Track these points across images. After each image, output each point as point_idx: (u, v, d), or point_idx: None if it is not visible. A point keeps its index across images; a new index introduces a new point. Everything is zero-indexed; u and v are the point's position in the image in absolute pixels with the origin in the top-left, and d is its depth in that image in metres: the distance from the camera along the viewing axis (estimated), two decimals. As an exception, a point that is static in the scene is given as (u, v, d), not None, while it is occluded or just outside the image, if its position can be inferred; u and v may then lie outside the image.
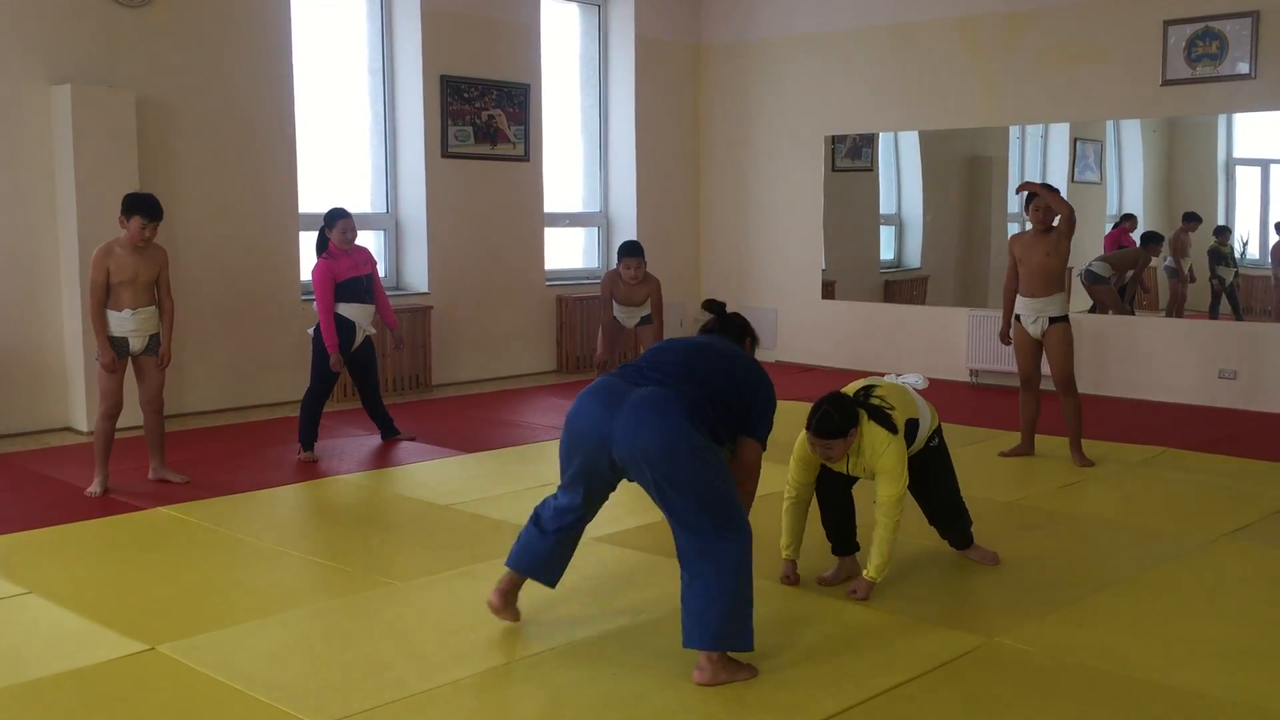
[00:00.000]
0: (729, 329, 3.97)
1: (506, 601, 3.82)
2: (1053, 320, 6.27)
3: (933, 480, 4.41)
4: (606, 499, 3.76)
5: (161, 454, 5.96)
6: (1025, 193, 6.39)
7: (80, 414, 7.24)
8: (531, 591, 4.15)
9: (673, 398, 3.43)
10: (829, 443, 3.96)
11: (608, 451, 3.46)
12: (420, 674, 3.49)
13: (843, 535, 4.37)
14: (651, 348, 3.80)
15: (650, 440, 3.37)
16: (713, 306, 4.04)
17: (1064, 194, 6.34)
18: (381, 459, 6.63)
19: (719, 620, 3.36)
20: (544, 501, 3.83)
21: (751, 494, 3.71)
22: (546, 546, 3.77)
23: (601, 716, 3.23)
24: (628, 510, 5.04)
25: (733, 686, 3.40)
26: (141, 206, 5.58)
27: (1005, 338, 6.52)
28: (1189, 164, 8.88)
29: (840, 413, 3.95)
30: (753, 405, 3.62)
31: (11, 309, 7.15)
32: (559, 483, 3.73)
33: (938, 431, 4.37)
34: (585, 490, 3.65)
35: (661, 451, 3.37)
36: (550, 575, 3.83)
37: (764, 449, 3.68)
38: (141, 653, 3.69)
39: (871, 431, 4.04)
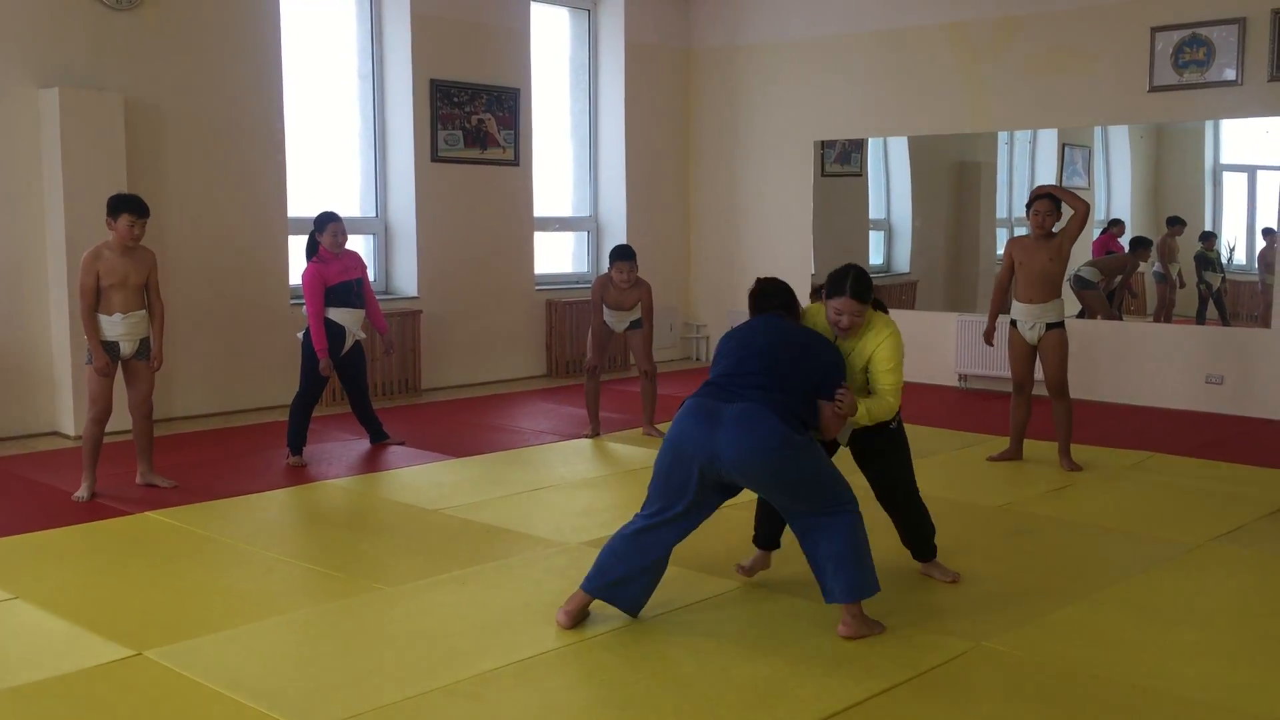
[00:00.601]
0: (787, 306, 4.13)
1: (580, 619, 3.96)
2: (1050, 326, 6.28)
3: (888, 461, 4.36)
4: (712, 512, 3.94)
5: (150, 458, 5.94)
6: (1031, 199, 6.32)
7: (68, 418, 7.22)
8: (523, 595, 4.15)
9: (766, 408, 3.70)
10: (860, 306, 4.02)
11: (716, 466, 3.73)
12: (410, 679, 3.48)
13: (771, 528, 4.39)
14: (728, 355, 3.99)
15: (755, 451, 3.68)
16: (622, 256, 4.38)
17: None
18: (370, 463, 6.62)
19: (850, 577, 3.77)
20: (645, 536, 3.90)
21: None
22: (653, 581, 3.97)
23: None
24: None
25: (712, 696, 3.40)
26: (128, 204, 5.57)
27: (989, 339, 6.53)
28: (1176, 170, 8.93)
29: (868, 279, 4.07)
30: (829, 374, 3.93)
31: (-1, 313, 7.13)
32: (652, 511, 3.88)
33: (897, 414, 4.29)
34: (689, 506, 3.84)
35: (768, 460, 3.69)
36: (641, 603, 4.00)
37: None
38: (128, 658, 3.68)
39: (875, 316, 4.16)
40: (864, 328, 4.10)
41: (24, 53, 7.09)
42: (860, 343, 4.11)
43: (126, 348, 5.69)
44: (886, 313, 4.24)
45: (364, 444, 7.04)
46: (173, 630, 3.91)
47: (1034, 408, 6.58)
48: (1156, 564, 4.69)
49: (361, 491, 6.02)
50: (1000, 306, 6.50)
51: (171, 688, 3.46)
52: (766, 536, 4.41)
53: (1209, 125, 8.52)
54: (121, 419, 6.17)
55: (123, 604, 4.22)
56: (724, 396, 3.81)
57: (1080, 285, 8.83)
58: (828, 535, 3.79)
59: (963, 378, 9.32)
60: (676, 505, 3.84)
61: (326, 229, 6.52)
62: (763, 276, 4.23)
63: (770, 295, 4.15)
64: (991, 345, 6.59)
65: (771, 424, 3.69)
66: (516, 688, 3.45)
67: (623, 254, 7.06)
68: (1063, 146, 9.22)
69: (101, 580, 4.52)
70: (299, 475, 6.28)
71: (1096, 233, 9.04)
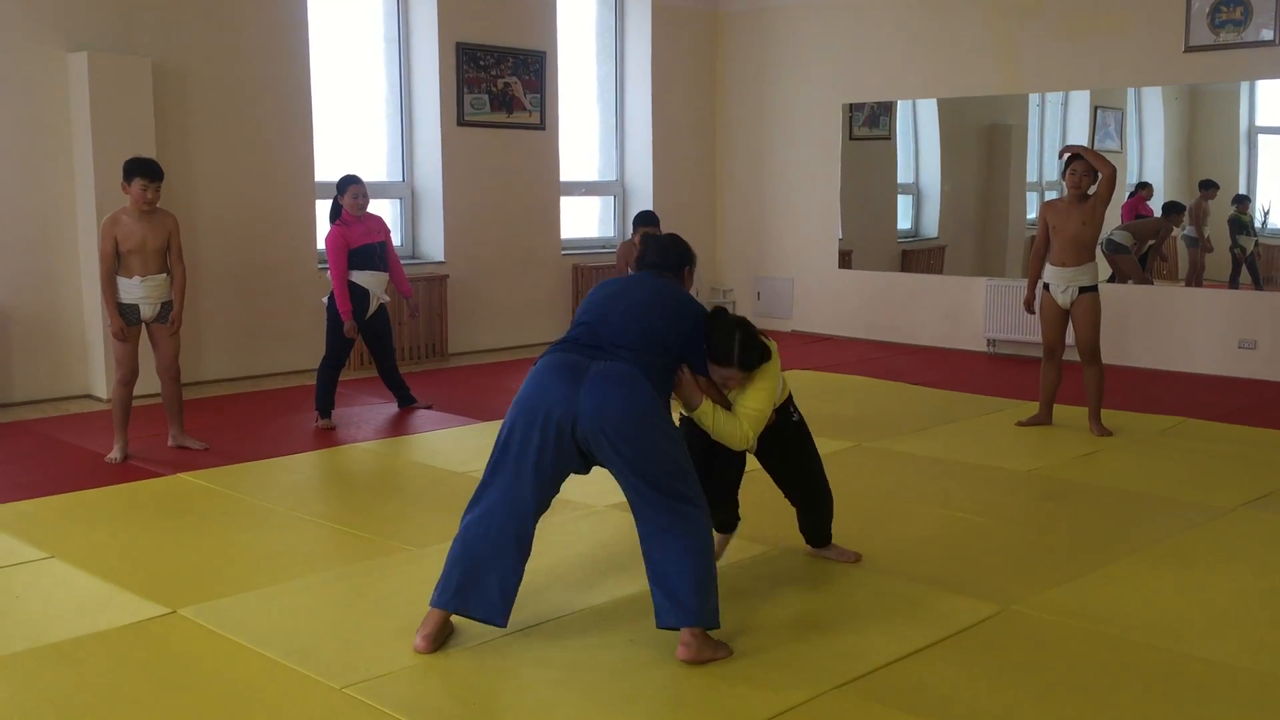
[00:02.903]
0: (669, 261, 3.75)
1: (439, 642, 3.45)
2: (1083, 290, 6.22)
3: (792, 453, 4.04)
4: (559, 490, 3.48)
5: (180, 421, 6.00)
6: (1063, 158, 6.26)
7: (100, 381, 7.29)
8: (549, 556, 4.17)
9: (637, 370, 3.31)
10: (748, 375, 3.61)
11: (574, 430, 3.28)
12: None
13: (723, 509, 4.00)
14: (589, 306, 3.54)
15: (620, 412, 3.25)
16: (647, 222, 3.69)
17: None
18: (398, 427, 6.66)
19: (699, 596, 3.29)
20: (480, 517, 3.39)
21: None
22: (511, 571, 3.38)
23: (623, 678, 3.24)
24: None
25: (737, 655, 3.41)
26: (140, 168, 5.59)
27: (1030, 307, 6.47)
28: (1210, 132, 8.79)
29: (755, 342, 3.59)
30: (691, 347, 3.50)
31: (31, 277, 7.19)
32: (491, 491, 3.38)
33: (792, 403, 4.03)
34: (539, 478, 3.35)
35: (632, 423, 3.26)
36: (507, 610, 3.42)
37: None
38: (163, 616, 3.73)
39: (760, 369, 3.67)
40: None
41: (53, 17, 7.10)
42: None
43: (147, 311, 5.73)
44: (770, 357, 3.66)
45: (391, 408, 7.07)
46: (206, 589, 3.96)
47: (1064, 373, 6.53)
48: (1187, 529, 4.67)
49: (389, 455, 6.06)
50: (1039, 273, 6.43)
51: (205, 645, 3.51)
52: (724, 523, 4.06)
53: (1244, 86, 8.38)
54: (152, 382, 6.22)
55: (157, 563, 4.28)
56: (589, 353, 3.37)
57: (1112, 249, 8.74)
58: (680, 547, 3.29)
59: (991, 343, 9.27)
60: (524, 478, 3.34)
61: (347, 190, 6.53)
62: (652, 233, 3.82)
63: (653, 251, 3.77)
64: (1033, 313, 6.52)
65: (642, 386, 3.30)
66: (542, 646, 3.47)
67: (646, 220, 7.02)
68: (1095, 109, 9.09)
69: (135, 540, 4.58)
70: (327, 438, 6.32)
71: (1126, 196, 8.93)
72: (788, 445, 4.02)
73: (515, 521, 3.36)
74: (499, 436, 3.40)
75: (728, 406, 3.60)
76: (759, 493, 4.82)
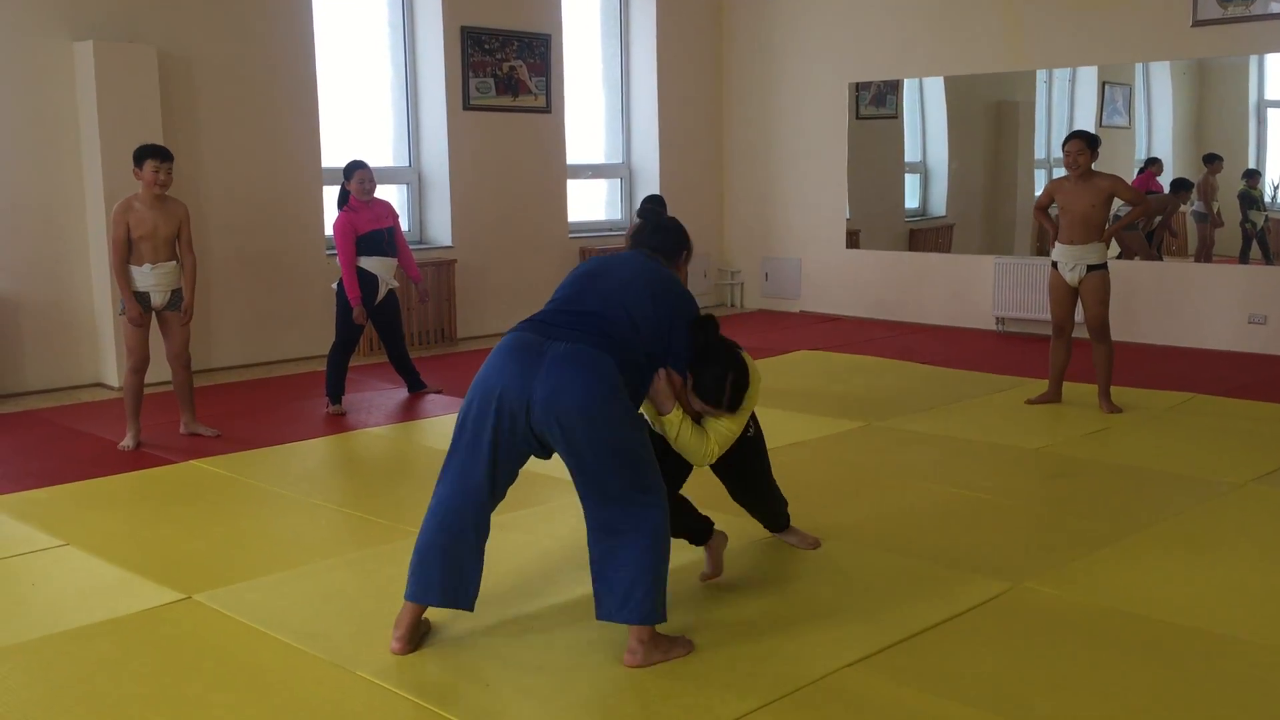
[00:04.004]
0: (664, 244, 3.56)
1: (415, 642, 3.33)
2: (1091, 268, 6.22)
3: (745, 466, 3.84)
4: (516, 476, 3.31)
5: (192, 408, 6.03)
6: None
7: (111, 370, 7.32)
8: (562, 540, 4.18)
9: (597, 354, 3.09)
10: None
11: (528, 415, 3.10)
12: (451, 622, 3.53)
13: (692, 520, 3.74)
14: (566, 284, 3.36)
15: (576, 397, 3.04)
16: (647, 209, 3.46)
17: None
18: (409, 412, 6.68)
19: (646, 595, 3.13)
20: (437, 506, 3.27)
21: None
22: (471, 558, 3.26)
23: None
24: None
25: (754, 633, 3.43)
26: (151, 150, 5.65)
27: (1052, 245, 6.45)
28: (1219, 107, 8.75)
29: (745, 383, 3.38)
30: (673, 340, 3.28)
31: (41, 266, 7.21)
32: (450, 479, 3.24)
33: (753, 418, 3.80)
34: (493, 464, 3.19)
35: (589, 410, 3.05)
36: (473, 594, 3.32)
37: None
38: (178, 602, 3.76)
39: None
40: None
41: (58, 6, 7.11)
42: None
43: (158, 299, 5.75)
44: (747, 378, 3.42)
45: (402, 393, 7.09)
46: (220, 574, 3.99)
47: (1073, 350, 6.52)
48: (1197, 504, 4.67)
49: (400, 439, 6.08)
50: (1049, 222, 6.49)
51: (220, 629, 3.54)
52: (697, 532, 3.77)
53: (1254, 60, 8.32)
54: (162, 370, 6.25)
55: (171, 549, 4.30)
56: (551, 333, 3.15)
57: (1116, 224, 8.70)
58: (633, 542, 3.13)
59: (1000, 321, 9.25)
60: (478, 465, 3.18)
61: (354, 176, 6.53)
62: (653, 210, 3.54)
63: (648, 231, 3.55)
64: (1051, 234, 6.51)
65: (604, 370, 3.07)
66: (557, 629, 3.49)
67: (653, 204, 7.01)
68: (1103, 85, 9.05)
69: (149, 526, 4.61)
70: (338, 424, 6.34)
71: (1135, 172, 8.90)
72: (742, 458, 3.78)
73: (472, 509, 3.23)
74: (457, 420, 3.25)
75: (696, 417, 3.41)
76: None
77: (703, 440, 3.38)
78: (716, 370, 3.29)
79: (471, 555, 3.27)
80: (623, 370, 3.13)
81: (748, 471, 3.90)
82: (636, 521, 3.14)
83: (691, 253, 3.69)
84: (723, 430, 3.41)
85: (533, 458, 3.30)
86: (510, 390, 3.10)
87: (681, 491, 3.72)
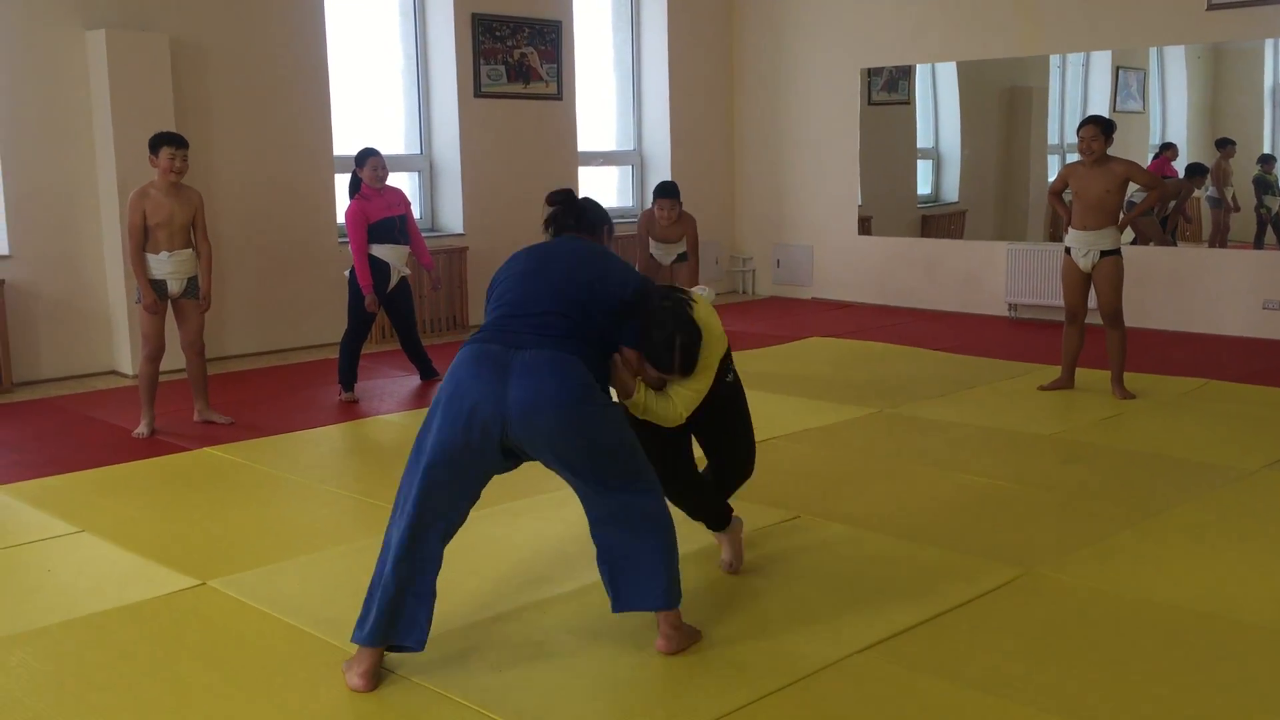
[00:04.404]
0: (582, 224, 3.40)
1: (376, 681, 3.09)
2: (1104, 254, 6.19)
3: (722, 414, 3.64)
4: (478, 498, 3.17)
5: (205, 396, 6.05)
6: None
7: (125, 357, 7.35)
8: (575, 526, 4.19)
9: (563, 357, 2.99)
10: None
11: (503, 430, 2.96)
12: (464, 608, 3.55)
13: (709, 502, 3.73)
14: (507, 284, 3.21)
15: (551, 403, 2.94)
16: (559, 198, 3.39)
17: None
18: (421, 399, 6.69)
19: (669, 581, 3.13)
20: (399, 539, 3.06)
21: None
22: (429, 591, 3.08)
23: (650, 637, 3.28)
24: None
25: (766, 618, 3.43)
26: (166, 137, 5.66)
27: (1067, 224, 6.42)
28: (1234, 91, 8.69)
29: (695, 351, 3.25)
30: (628, 318, 3.18)
31: (54, 255, 7.24)
32: (413, 508, 3.05)
33: (730, 361, 3.60)
34: (458, 488, 3.07)
35: (566, 415, 2.95)
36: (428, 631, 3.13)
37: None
38: (193, 588, 3.78)
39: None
40: None
41: (69, -5, 7.13)
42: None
43: (174, 286, 5.77)
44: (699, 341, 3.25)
45: (414, 380, 7.11)
46: (235, 560, 4.01)
47: (1086, 336, 6.50)
48: (1210, 490, 4.66)
49: (412, 426, 6.05)
50: (1063, 207, 6.46)
51: (235, 615, 3.56)
52: (717, 516, 3.76)
53: (1269, 44, 8.26)
54: (178, 357, 6.27)
55: (185, 536, 4.33)
56: (512, 340, 3.02)
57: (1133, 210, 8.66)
58: (640, 527, 3.11)
59: (1013, 307, 9.23)
60: (440, 489, 3.03)
61: (366, 163, 6.54)
62: (561, 190, 3.45)
63: (569, 213, 3.40)
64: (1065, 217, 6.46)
65: (574, 372, 2.98)
66: (568, 614, 3.51)
67: (664, 191, 7.01)
68: (1117, 69, 9.00)
69: (164, 513, 4.63)
70: (351, 411, 6.37)
71: (1149, 158, 8.85)
72: (718, 407, 3.57)
73: (435, 541, 3.09)
74: (416, 444, 3.08)
75: (659, 384, 3.32)
76: (773, 462, 4.84)
77: (668, 404, 3.29)
78: (662, 334, 3.16)
79: (430, 589, 3.10)
80: (590, 364, 3.05)
81: (722, 422, 3.65)
82: (637, 511, 3.11)
83: (613, 229, 3.52)
84: (689, 390, 3.30)
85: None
86: (482, 408, 2.95)
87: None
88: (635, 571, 3.13)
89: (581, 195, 3.52)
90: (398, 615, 3.06)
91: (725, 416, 3.65)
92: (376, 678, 3.07)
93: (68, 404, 6.64)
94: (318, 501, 4.74)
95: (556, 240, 3.36)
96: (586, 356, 3.05)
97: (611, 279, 3.20)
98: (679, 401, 3.31)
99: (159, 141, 5.64)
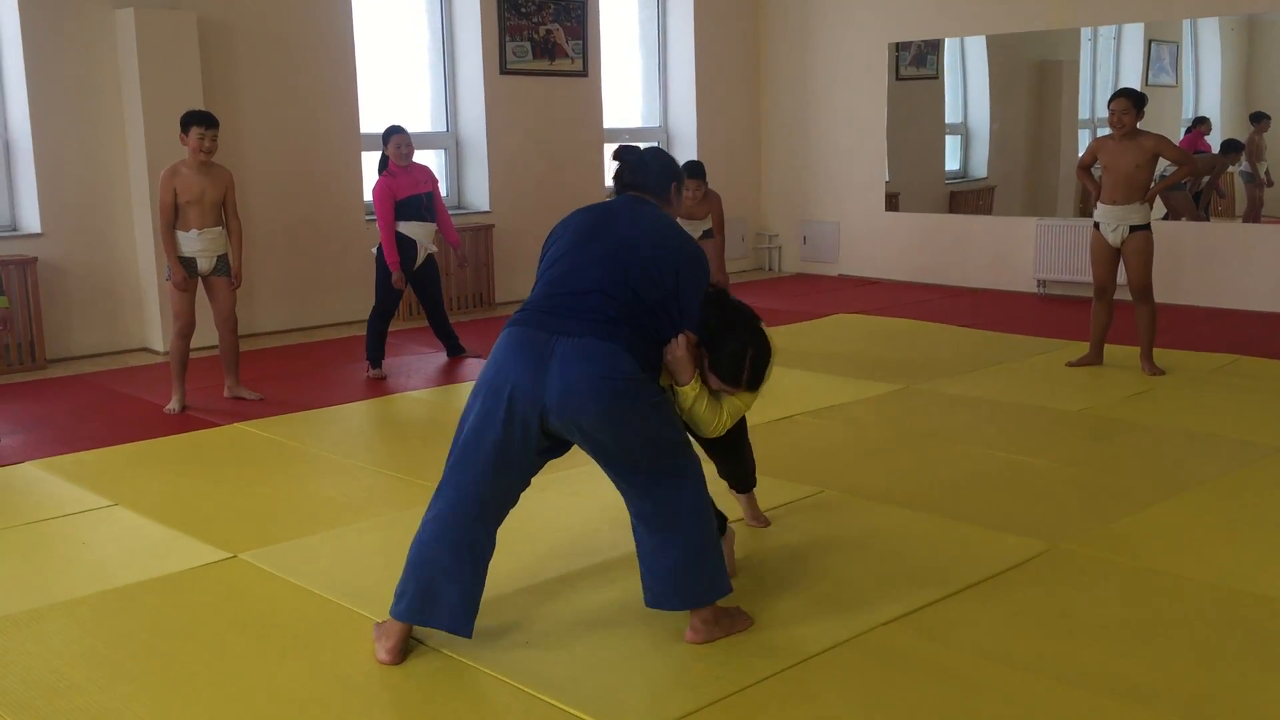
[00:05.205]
0: (645, 183, 3.16)
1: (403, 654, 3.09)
2: (1134, 229, 6.14)
3: (733, 432, 3.63)
4: (528, 483, 3.12)
5: (236, 372, 6.11)
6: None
7: (156, 334, 7.42)
8: (601, 500, 4.21)
9: (607, 346, 2.86)
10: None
11: (539, 421, 2.90)
12: (491, 581, 3.57)
13: (736, 465, 3.81)
14: (556, 255, 3.06)
15: (590, 394, 2.84)
16: (618, 153, 3.18)
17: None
18: (448, 376, 6.73)
19: (699, 577, 3.05)
20: (435, 519, 3.05)
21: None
22: (471, 577, 3.05)
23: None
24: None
25: (792, 591, 3.44)
26: (197, 117, 5.70)
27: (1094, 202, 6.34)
28: (1269, 64, 8.57)
29: (765, 366, 3.17)
30: (683, 305, 3.00)
31: (86, 233, 7.31)
32: (455, 488, 3.04)
33: None
34: (499, 475, 3.00)
35: (606, 406, 2.85)
36: (471, 618, 3.09)
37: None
38: (224, 560, 3.83)
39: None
40: None
41: (98, -26, 7.17)
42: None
43: (204, 264, 5.82)
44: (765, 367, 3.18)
45: (441, 357, 7.15)
46: (265, 534, 4.06)
47: (1115, 312, 6.46)
48: (1239, 466, 4.62)
49: (440, 403, 6.13)
50: (1092, 182, 6.32)
51: (266, 587, 3.61)
52: (740, 478, 3.86)
53: (1305, 15, 8.15)
54: (208, 334, 6.33)
55: (217, 510, 4.38)
56: (555, 326, 2.89)
57: (1167, 186, 8.57)
58: (676, 526, 3.03)
59: (1041, 283, 9.16)
60: (483, 476, 2.98)
61: (390, 141, 6.56)
62: (628, 145, 3.15)
63: (628, 169, 3.15)
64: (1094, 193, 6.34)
65: (619, 363, 2.84)
66: (596, 588, 3.53)
67: (691, 171, 6.98)
68: (1149, 42, 8.89)
69: (195, 488, 4.69)
70: (379, 388, 6.41)
71: (1182, 132, 8.75)
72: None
73: (473, 524, 3.03)
74: (458, 426, 3.04)
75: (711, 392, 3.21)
76: (799, 438, 4.84)
77: (716, 414, 3.15)
78: (734, 347, 3.06)
79: (472, 576, 3.06)
80: (637, 351, 2.90)
81: (735, 431, 3.67)
82: (676, 505, 3.03)
83: (683, 183, 3.32)
84: (738, 404, 3.20)
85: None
86: (520, 397, 2.88)
87: None
88: (667, 574, 3.06)
89: (649, 146, 3.28)
90: (428, 596, 3.04)
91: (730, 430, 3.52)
92: (403, 653, 3.07)
93: (100, 380, 6.72)
94: (346, 476, 4.79)
95: (615, 201, 3.16)
96: (633, 344, 2.89)
97: (664, 261, 2.97)
98: (728, 413, 3.18)
99: (189, 121, 5.68)
